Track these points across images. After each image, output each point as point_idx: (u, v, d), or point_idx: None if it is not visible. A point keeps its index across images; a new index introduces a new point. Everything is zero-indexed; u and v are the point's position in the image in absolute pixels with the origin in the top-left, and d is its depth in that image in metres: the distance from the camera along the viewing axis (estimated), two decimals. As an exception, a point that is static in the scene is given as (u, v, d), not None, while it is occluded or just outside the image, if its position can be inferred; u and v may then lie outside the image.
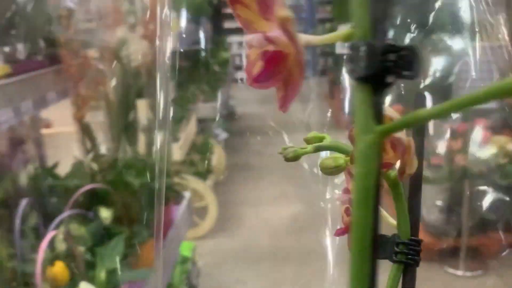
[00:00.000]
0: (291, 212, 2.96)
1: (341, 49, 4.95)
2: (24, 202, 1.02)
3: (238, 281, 2.22)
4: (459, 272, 2.32)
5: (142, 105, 1.66)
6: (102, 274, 0.95)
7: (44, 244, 0.88)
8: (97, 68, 1.51)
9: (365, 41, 0.16)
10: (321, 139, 0.26)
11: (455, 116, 2.83)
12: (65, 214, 1.03)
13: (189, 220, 1.74)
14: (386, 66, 0.16)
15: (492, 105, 2.05)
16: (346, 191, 0.26)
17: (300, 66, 0.19)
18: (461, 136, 2.44)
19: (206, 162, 3.16)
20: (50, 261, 0.91)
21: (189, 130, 2.97)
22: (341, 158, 0.25)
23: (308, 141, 0.26)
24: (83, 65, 1.37)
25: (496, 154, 2.34)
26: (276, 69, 0.19)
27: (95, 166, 1.32)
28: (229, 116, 5.26)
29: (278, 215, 2.94)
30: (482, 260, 2.42)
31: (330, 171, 0.25)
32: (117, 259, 1.01)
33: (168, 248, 1.43)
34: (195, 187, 2.73)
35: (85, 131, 1.46)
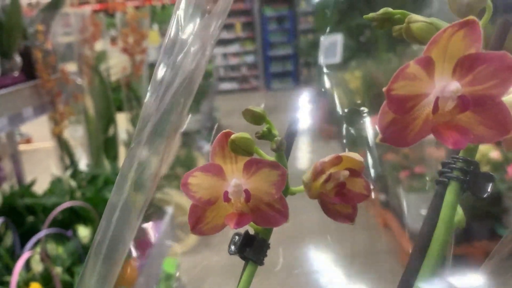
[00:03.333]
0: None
1: (325, 59, 4.98)
2: (-2, 222, 0.98)
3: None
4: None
5: (122, 119, 1.63)
6: (80, 296, 0.92)
7: (19, 265, 0.85)
8: (75, 82, 1.48)
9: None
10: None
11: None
12: (42, 233, 0.99)
13: (173, 236, 1.71)
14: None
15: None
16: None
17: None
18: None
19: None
20: (25, 282, 0.87)
21: (173, 143, 2.94)
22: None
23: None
24: (61, 80, 1.35)
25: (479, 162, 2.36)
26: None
27: (73, 183, 1.29)
28: (213, 128, 5.22)
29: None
30: (468, 269, 2.42)
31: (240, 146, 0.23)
32: (96, 279, 0.98)
33: (151, 265, 1.40)
34: (178, 201, 2.69)
35: (64, 147, 1.43)
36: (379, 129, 0.21)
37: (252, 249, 0.24)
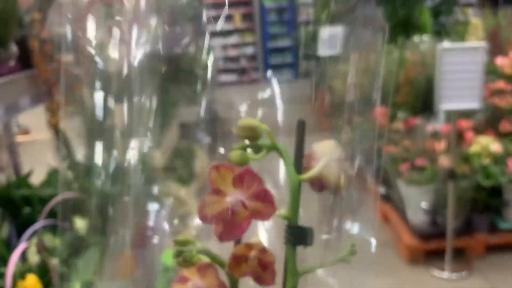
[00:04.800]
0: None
1: (324, 51, 4.96)
2: (-7, 213, 0.97)
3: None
4: (445, 275, 2.31)
5: (119, 111, 1.61)
6: (77, 287, 0.90)
7: (15, 256, 0.84)
8: (72, 73, 1.46)
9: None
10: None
11: (439, 117, 2.83)
12: (38, 224, 0.98)
13: (172, 228, 1.70)
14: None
15: (474, 106, 2.05)
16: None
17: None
18: (445, 137, 2.44)
19: (189, 167, 3.11)
20: (21, 274, 0.86)
21: (171, 135, 2.93)
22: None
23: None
24: (58, 70, 1.32)
25: (480, 155, 2.35)
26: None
27: (70, 174, 1.28)
28: (213, 120, 5.22)
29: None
30: (468, 262, 2.42)
31: (235, 158, 0.29)
32: (93, 270, 0.97)
33: (150, 257, 1.39)
34: (177, 193, 2.68)
35: (61, 138, 1.42)
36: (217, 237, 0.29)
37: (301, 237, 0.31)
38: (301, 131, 0.32)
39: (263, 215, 0.29)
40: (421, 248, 2.43)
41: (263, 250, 0.30)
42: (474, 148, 2.35)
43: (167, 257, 1.86)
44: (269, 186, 0.28)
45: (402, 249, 2.50)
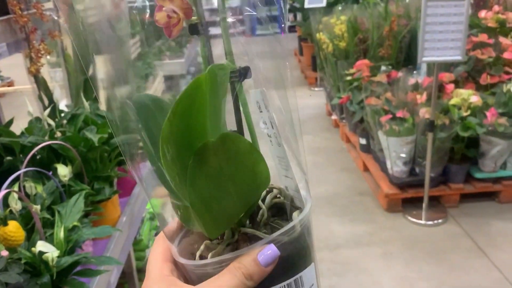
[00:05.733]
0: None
1: (310, 4, 4.87)
2: (-26, 161, 0.97)
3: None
4: (421, 221, 2.40)
5: (101, 61, 1.59)
6: (60, 233, 0.92)
7: (-2, 203, 0.85)
8: (51, 19, 1.43)
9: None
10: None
11: (420, 70, 2.85)
12: (19, 172, 0.99)
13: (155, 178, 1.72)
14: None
15: (457, 58, 2.06)
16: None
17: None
18: (426, 89, 2.47)
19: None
20: (3, 220, 0.87)
21: (156, 87, 2.90)
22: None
23: None
24: (35, 15, 1.29)
25: (459, 107, 2.38)
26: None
27: (52, 122, 1.28)
28: (197, 73, 5.15)
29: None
30: (443, 210, 2.51)
31: None
32: (77, 217, 0.99)
33: (135, 204, 1.42)
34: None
35: (42, 86, 1.40)
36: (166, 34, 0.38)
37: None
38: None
39: (186, 16, 0.38)
40: (399, 197, 2.51)
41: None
42: (454, 100, 2.39)
43: (153, 206, 1.89)
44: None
45: (381, 197, 2.58)
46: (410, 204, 2.54)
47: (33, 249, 0.84)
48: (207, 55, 0.41)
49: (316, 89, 5.16)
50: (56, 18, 1.53)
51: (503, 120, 2.30)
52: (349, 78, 3.12)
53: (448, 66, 2.65)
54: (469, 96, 2.36)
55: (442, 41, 1.99)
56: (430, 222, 2.40)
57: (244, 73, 0.40)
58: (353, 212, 2.56)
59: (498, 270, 2.03)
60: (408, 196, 2.53)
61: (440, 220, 2.41)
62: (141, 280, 1.85)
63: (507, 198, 2.52)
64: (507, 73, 2.54)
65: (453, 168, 2.49)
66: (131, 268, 1.59)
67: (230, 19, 0.45)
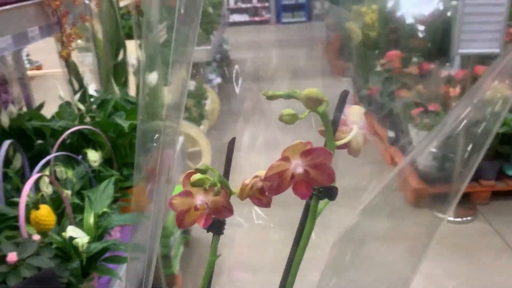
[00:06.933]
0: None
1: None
2: (6, 144, 0.97)
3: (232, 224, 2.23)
4: (449, 218, 2.35)
5: (131, 46, 1.58)
6: (90, 218, 0.92)
7: (27, 186, 0.84)
8: (83, 3, 1.42)
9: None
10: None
11: (454, 63, 2.76)
12: (51, 156, 0.99)
13: (183, 165, 1.71)
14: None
15: (495, 50, 1.99)
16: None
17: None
18: (459, 82, 2.39)
19: (200, 107, 3.10)
20: (35, 204, 0.87)
21: (181, 74, 2.89)
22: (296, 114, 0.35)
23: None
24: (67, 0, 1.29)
25: (494, 102, 2.31)
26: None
27: (82, 107, 1.27)
28: (223, 61, 5.14)
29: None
30: (473, 207, 2.44)
31: (286, 118, 0.35)
32: (107, 203, 0.98)
33: (162, 192, 1.41)
34: (188, 132, 2.69)
35: (72, 71, 1.40)
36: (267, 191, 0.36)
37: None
38: (342, 100, 0.37)
39: (221, 216, 0.39)
40: (427, 192, 2.45)
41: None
42: (489, 94, 2.31)
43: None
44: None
45: (409, 192, 2.52)
46: (438, 200, 2.48)
47: (63, 234, 0.83)
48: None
49: (344, 79, 5.08)
50: (87, 1, 1.53)
51: (540, 116, 2.21)
52: (379, 69, 3.06)
53: (482, 59, 2.56)
54: (505, 90, 2.28)
55: (480, 32, 1.92)
56: (459, 219, 2.34)
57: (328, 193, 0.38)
58: (379, 207, 2.52)
59: (529, 271, 1.97)
60: (436, 192, 2.47)
61: (469, 218, 2.35)
62: (165, 267, 1.85)
63: (541, 197, 2.44)
64: (545, 67, 2.45)
65: (484, 164, 2.42)
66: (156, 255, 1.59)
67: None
